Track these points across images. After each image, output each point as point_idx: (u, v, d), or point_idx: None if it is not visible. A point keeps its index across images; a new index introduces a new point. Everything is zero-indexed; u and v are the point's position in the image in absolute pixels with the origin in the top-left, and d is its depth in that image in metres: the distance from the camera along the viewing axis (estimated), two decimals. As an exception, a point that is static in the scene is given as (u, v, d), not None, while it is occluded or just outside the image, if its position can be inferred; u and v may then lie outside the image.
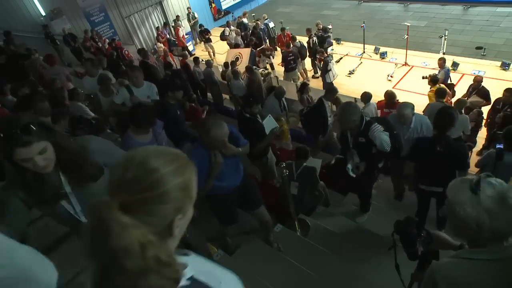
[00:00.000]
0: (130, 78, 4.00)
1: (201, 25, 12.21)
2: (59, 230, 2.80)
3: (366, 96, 5.41)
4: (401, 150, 2.98)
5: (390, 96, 5.25)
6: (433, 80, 5.77)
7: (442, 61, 6.61)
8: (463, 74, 8.02)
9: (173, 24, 12.79)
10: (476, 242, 1.13)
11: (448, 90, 5.43)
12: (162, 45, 11.03)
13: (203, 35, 11.78)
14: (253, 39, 9.81)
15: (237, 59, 9.01)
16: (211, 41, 11.73)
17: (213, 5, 14.78)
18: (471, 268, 1.10)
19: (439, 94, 4.73)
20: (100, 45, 10.20)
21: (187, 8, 13.49)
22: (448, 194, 1.16)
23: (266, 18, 10.89)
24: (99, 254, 0.65)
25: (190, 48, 12.56)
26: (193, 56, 9.70)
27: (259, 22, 10.76)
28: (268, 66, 9.63)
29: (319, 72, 8.48)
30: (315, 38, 8.87)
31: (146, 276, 0.62)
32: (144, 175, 0.69)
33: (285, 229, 3.18)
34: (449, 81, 6.74)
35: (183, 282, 0.70)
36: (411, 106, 3.44)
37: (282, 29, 9.77)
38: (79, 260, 2.50)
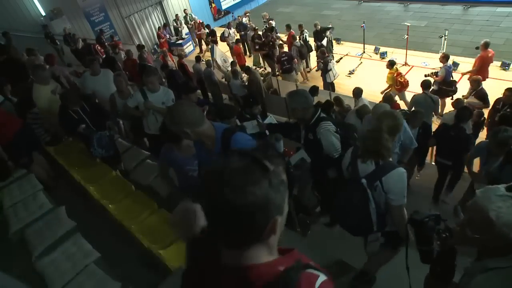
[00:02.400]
0: (145, 83, 3.78)
1: (208, 26, 12.15)
2: (59, 230, 2.81)
3: (357, 92, 5.68)
4: None
5: (388, 98, 5.26)
6: (391, 63, 6.83)
7: (443, 58, 6.39)
8: (463, 74, 8.00)
9: (175, 24, 12.80)
10: (498, 252, 1.09)
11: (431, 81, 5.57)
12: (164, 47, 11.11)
13: (210, 37, 11.72)
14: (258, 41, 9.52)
15: (224, 61, 9.31)
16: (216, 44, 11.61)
17: (213, 5, 14.79)
18: (504, 278, 1.06)
19: (424, 86, 5.10)
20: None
21: (184, 10, 13.47)
22: (476, 207, 1.11)
23: (267, 17, 10.84)
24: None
25: (190, 48, 12.57)
26: (195, 56, 9.71)
27: (272, 22, 10.47)
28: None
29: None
30: (306, 35, 9.05)
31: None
32: None
33: (285, 229, 3.17)
34: (451, 78, 6.62)
35: None
36: (387, 108, 3.09)
37: (288, 26, 9.56)
38: (79, 260, 2.50)
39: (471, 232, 1.13)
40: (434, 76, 6.57)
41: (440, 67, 6.48)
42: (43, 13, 11.42)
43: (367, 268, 2.41)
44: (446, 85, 6.35)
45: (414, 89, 7.54)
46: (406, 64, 8.80)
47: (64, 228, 2.81)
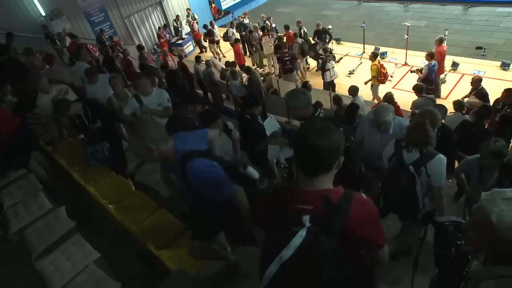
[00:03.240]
0: (136, 87, 3.74)
1: (205, 26, 12.18)
2: (59, 230, 2.81)
3: (354, 90, 5.89)
4: (353, 163, 2.65)
5: (388, 99, 5.26)
6: (374, 55, 7.12)
7: (428, 56, 6.67)
8: (463, 74, 8.02)
9: (175, 24, 12.82)
10: (505, 257, 1.07)
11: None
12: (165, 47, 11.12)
13: (207, 37, 11.79)
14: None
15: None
16: (215, 43, 11.67)
17: (213, 5, 14.79)
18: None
19: (418, 90, 5.27)
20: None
21: (187, 10, 13.48)
22: (480, 209, 1.09)
23: (265, 18, 10.86)
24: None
25: (190, 48, 12.58)
26: (194, 55, 9.73)
27: (268, 22, 10.46)
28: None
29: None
30: (305, 29, 9.23)
31: None
32: None
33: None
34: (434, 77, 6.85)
35: None
36: (391, 110, 3.03)
37: (286, 27, 9.65)
38: (79, 260, 2.50)
39: (472, 234, 1.13)
40: (419, 73, 6.86)
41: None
42: (43, 13, 11.43)
43: (404, 246, 2.71)
44: (428, 83, 6.56)
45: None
46: (406, 64, 8.80)
47: (64, 228, 2.81)
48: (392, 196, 2.44)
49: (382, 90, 7.04)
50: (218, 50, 11.78)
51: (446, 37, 7.97)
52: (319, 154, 1.15)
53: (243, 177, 1.83)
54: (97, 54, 8.75)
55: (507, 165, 2.61)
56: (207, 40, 11.83)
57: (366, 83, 7.33)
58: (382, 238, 1.27)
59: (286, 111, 6.62)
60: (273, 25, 10.50)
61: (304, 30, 9.40)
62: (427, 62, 6.73)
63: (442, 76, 7.67)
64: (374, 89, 7.26)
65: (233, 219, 1.96)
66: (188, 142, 1.77)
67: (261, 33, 9.82)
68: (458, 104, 4.87)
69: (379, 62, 7.19)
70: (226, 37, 10.93)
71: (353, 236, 1.16)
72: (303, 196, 1.21)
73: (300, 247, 1.11)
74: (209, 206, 1.91)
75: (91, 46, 9.38)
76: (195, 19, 12.81)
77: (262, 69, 10.04)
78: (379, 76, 7.10)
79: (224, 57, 11.51)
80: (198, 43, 12.52)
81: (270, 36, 9.47)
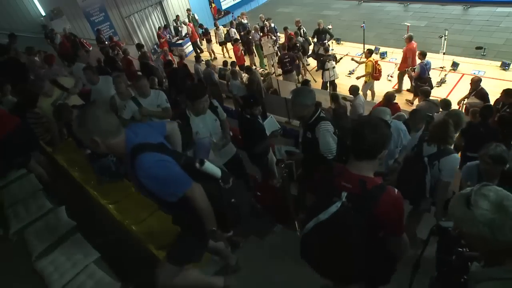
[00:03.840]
0: (136, 88, 3.67)
1: (201, 25, 12.23)
2: (59, 230, 2.81)
3: (354, 89, 6.00)
4: None
5: (389, 97, 5.26)
6: (369, 52, 7.28)
7: (420, 55, 6.76)
8: (463, 74, 8.02)
9: (175, 24, 12.82)
10: (495, 259, 1.04)
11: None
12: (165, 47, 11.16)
13: (204, 36, 11.82)
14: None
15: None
16: (211, 42, 11.76)
17: (213, 5, 14.79)
18: None
19: (425, 94, 5.39)
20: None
21: (187, 10, 13.48)
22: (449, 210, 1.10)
23: (263, 19, 10.86)
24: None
25: (190, 48, 12.57)
26: (195, 55, 9.74)
27: (267, 23, 10.43)
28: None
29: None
30: (304, 29, 9.30)
31: None
32: None
33: (285, 229, 3.18)
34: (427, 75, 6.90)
35: None
36: (388, 113, 3.10)
37: (285, 28, 9.78)
38: (79, 260, 2.50)
39: (461, 231, 1.12)
40: (412, 72, 6.99)
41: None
42: (43, 13, 11.42)
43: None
44: (421, 81, 6.74)
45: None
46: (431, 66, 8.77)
47: (64, 228, 2.80)
48: (405, 181, 2.68)
49: (382, 89, 7.07)
50: (210, 50, 11.84)
51: (446, 37, 7.98)
52: (368, 142, 1.41)
53: (200, 174, 1.66)
54: (91, 48, 8.75)
55: (508, 172, 2.46)
56: (204, 39, 11.90)
57: (358, 78, 7.49)
58: (400, 229, 1.48)
59: (286, 111, 6.63)
60: (272, 25, 10.50)
61: (303, 30, 9.44)
62: (425, 62, 6.77)
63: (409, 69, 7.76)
64: (366, 86, 7.38)
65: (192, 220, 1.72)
66: (141, 135, 1.60)
67: (261, 33, 9.83)
68: (444, 103, 4.92)
69: (374, 59, 7.30)
70: (228, 38, 10.95)
71: (378, 219, 1.39)
72: (347, 175, 1.49)
73: (334, 214, 1.40)
74: (166, 206, 1.76)
75: (84, 41, 9.40)
76: (193, 21, 12.84)
77: (262, 69, 10.05)
78: (374, 73, 7.19)
79: (216, 58, 11.56)
80: (194, 45, 12.38)
81: (269, 36, 9.50)
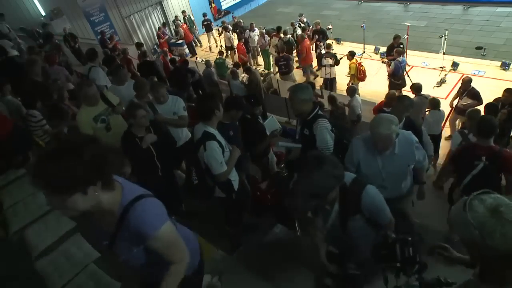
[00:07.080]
0: (155, 98, 3.47)
1: (204, 14, 12.46)
2: (59, 230, 2.81)
3: (352, 90, 6.03)
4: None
5: (390, 99, 5.26)
6: (351, 54, 7.42)
7: (395, 52, 6.86)
8: (463, 74, 8.00)
9: (174, 27, 12.86)
10: (489, 267, 1.04)
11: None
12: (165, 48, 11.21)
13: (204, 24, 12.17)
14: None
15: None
16: (212, 30, 12.10)
17: (213, 5, 14.79)
18: None
19: (416, 89, 5.38)
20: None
21: (182, 12, 13.47)
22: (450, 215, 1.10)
23: (261, 28, 10.79)
24: None
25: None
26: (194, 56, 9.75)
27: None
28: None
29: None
30: (299, 30, 9.50)
31: None
32: None
33: (285, 229, 3.18)
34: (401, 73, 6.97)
35: None
36: (394, 122, 2.08)
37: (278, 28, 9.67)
38: (79, 260, 2.50)
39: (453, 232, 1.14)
40: (388, 66, 7.14)
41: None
42: (43, 13, 11.43)
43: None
44: (394, 79, 6.90)
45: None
46: (406, 64, 8.79)
47: (64, 228, 2.80)
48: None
49: (382, 89, 7.07)
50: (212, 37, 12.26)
51: (446, 37, 7.98)
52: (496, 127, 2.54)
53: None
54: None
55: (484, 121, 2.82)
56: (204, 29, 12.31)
57: (348, 84, 7.39)
58: None
59: (286, 111, 6.62)
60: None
61: (297, 33, 9.44)
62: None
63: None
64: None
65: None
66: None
67: (267, 37, 9.75)
68: (433, 102, 4.93)
69: (356, 61, 7.38)
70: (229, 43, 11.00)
71: (502, 167, 2.58)
72: (478, 148, 2.66)
73: (480, 170, 2.59)
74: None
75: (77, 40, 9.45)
76: (189, 22, 12.87)
77: (262, 70, 10.04)
78: (358, 74, 7.28)
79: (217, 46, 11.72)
80: (188, 46, 12.35)
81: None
